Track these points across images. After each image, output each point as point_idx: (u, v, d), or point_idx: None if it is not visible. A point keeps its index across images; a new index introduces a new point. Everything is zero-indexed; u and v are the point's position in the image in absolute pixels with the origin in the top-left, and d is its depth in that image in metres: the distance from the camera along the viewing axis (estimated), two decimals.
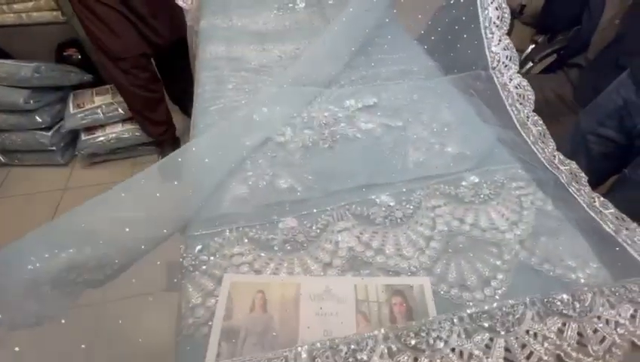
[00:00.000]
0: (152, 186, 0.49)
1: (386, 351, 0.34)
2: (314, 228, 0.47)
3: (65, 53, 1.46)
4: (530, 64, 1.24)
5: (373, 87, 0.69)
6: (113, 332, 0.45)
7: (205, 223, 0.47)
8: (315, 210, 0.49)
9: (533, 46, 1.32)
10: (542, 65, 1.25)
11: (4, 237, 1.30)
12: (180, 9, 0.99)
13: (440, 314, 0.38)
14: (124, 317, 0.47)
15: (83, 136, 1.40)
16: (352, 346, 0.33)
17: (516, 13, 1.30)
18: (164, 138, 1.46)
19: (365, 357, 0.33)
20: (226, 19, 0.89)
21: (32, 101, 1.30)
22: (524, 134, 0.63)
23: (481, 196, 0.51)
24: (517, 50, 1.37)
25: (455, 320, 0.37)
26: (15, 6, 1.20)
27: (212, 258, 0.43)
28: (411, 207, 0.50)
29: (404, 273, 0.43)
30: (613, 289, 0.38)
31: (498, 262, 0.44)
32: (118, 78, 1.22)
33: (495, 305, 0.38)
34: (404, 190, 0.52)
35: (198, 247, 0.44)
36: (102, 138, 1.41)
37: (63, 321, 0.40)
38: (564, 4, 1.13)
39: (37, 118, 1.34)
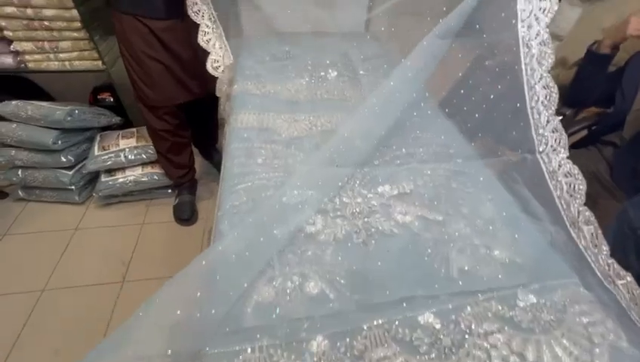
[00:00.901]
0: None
1: None
2: (348, 354, 0.41)
3: (99, 97, 1.52)
4: None
5: (409, 171, 0.66)
6: None
7: (225, 339, 0.41)
8: (349, 328, 0.43)
9: (561, 117, 1.29)
10: (571, 139, 1.21)
11: (8, 275, 1.24)
12: None
13: None
14: None
15: (103, 178, 1.40)
16: None
17: None
18: (183, 181, 1.45)
19: None
20: (259, 85, 0.90)
21: (60, 141, 1.33)
22: (574, 235, 0.57)
23: (542, 323, 0.44)
24: None
25: None
26: (61, 55, 1.28)
27: None
28: (461, 333, 0.43)
29: None
30: None
31: None
32: (150, 123, 1.25)
33: None
34: (451, 307, 0.46)
35: None
36: (121, 180, 1.40)
37: None
38: (594, 81, 1.12)
39: (62, 157, 1.36)
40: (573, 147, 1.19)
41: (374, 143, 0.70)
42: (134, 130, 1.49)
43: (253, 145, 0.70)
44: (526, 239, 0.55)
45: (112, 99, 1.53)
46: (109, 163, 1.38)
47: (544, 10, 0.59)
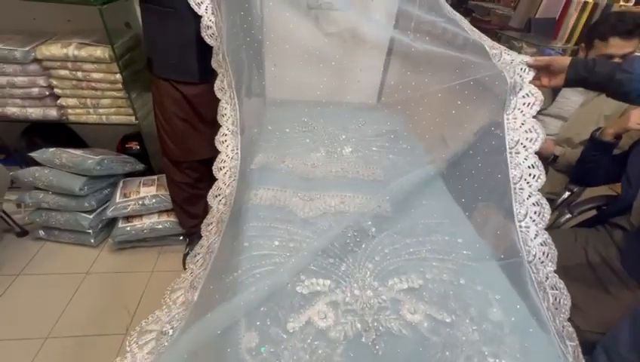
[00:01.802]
0: None
1: None
2: None
3: (127, 145, 1.64)
4: (568, 215, 1.22)
5: (417, 263, 0.68)
6: None
7: None
8: None
9: (569, 193, 1.32)
10: (580, 217, 1.23)
11: (15, 319, 1.25)
12: None
13: None
14: None
15: (120, 224, 1.46)
16: None
17: (549, 161, 1.35)
18: (195, 230, 1.50)
19: None
20: (279, 159, 0.96)
21: (86, 188, 1.41)
22: (561, 348, 0.58)
23: None
24: (552, 193, 1.38)
25: None
26: (100, 110, 1.41)
27: None
28: None
29: None
30: None
31: None
32: (171, 175, 1.33)
33: None
34: None
35: None
36: (138, 226, 1.46)
37: None
38: (599, 164, 1.16)
39: (85, 202, 1.43)
40: (582, 225, 1.21)
41: (385, 232, 0.74)
42: (155, 177, 1.57)
43: (269, 225, 0.75)
44: (535, 348, 0.56)
45: (138, 147, 1.65)
46: (128, 210, 1.44)
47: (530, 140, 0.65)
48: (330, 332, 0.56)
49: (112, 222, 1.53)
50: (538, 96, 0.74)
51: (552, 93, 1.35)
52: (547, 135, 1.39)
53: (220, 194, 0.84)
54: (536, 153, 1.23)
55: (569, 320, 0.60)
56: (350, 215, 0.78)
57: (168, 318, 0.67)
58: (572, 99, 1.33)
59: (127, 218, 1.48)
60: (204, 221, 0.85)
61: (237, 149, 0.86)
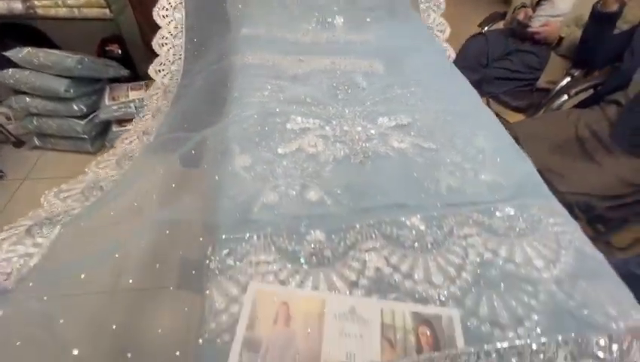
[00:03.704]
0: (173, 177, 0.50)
1: None
2: (342, 244, 0.46)
3: (107, 48, 1.54)
4: (565, 97, 1.21)
5: (408, 107, 0.69)
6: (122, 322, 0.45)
7: (234, 228, 0.47)
8: (343, 226, 0.48)
9: (569, 79, 1.29)
10: (576, 99, 1.22)
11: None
12: None
13: (467, 347, 0.37)
14: (134, 308, 0.47)
15: (114, 128, 1.45)
16: None
17: (553, 45, 1.28)
18: None
19: None
20: (267, 30, 0.91)
21: (71, 90, 1.36)
22: None
23: (517, 230, 0.49)
24: (551, 82, 1.35)
25: (482, 354, 0.35)
26: (69, 1, 1.28)
27: (238, 263, 0.43)
28: (443, 233, 0.48)
29: (433, 301, 0.41)
30: None
31: (533, 302, 0.42)
32: None
33: (526, 342, 0.36)
34: (436, 214, 0.51)
35: (225, 251, 0.44)
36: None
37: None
38: (602, 41, 1.11)
39: (74, 106, 1.40)
40: (578, 106, 1.20)
41: (377, 85, 0.73)
42: (143, 83, 1.51)
43: (259, 79, 0.73)
44: (514, 167, 0.59)
45: (119, 52, 1.55)
46: (119, 113, 1.42)
47: None
48: (320, 156, 0.58)
49: (106, 128, 1.52)
50: None
51: None
52: (557, 15, 1.30)
53: (163, 70, 0.81)
54: (543, 38, 1.16)
55: (549, 184, 0.62)
56: (341, 73, 0.77)
57: None
58: None
59: (120, 122, 1.46)
60: (147, 92, 0.85)
61: (181, 26, 0.80)
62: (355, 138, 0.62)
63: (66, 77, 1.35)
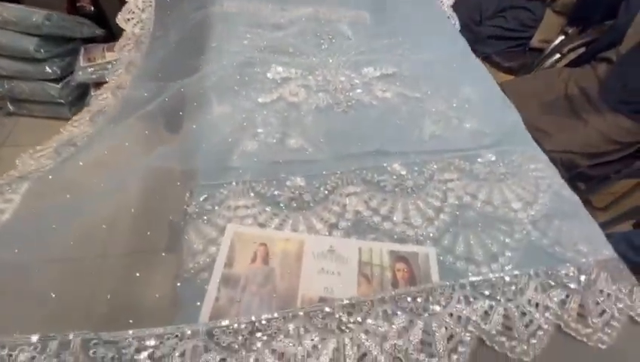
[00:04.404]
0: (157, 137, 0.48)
1: (380, 313, 0.34)
2: (322, 189, 0.46)
3: (78, 4, 1.42)
4: (558, 56, 1.18)
5: (394, 57, 0.66)
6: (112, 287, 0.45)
7: (212, 174, 0.46)
8: (324, 172, 0.48)
9: (563, 37, 1.25)
10: (568, 58, 1.19)
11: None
12: None
13: (442, 281, 0.38)
14: (124, 272, 0.47)
15: (92, 92, 1.38)
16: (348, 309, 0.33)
17: (549, 1, 1.23)
18: None
19: (360, 319, 0.34)
20: None
21: (42, 50, 1.27)
22: None
23: (497, 174, 0.49)
24: (545, 41, 1.31)
25: (456, 287, 0.37)
26: None
27: (217, 208, 0.43)
28: (423, 178, 0.48)
29: (411, 241, 0.42)
30: (614, 264, 0.39)
31: (508, 240, 0.43)
32: None
33: (499, 275, 0.37)
34: (418, 160, 0.50)
35: (204, 196, 0.43)
36: None
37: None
38: None
39: (47, 68, 1.32)
40: (569, 65, 1.18)
41: (362, 34, 0.70)
42: None
43: (238, 28, 0.69)
44: (498, 115, 0.58)
45: (92, 8, 1.44)
46: (96, 75, 1.35)
47: None
48: (302, 105, 0.56)
49: (85, 93, 1.45)
50: None
51: None
52: None
53: (132, 18, 0.75)
54: None
55: (537, 143, 0.61)
56: (326, 21, 0.72)
57: None
58: None
59: (98, 85, 1.39)
60: (118, 44, 0.79)
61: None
62: (339, 87, 0.59)
63: (35, 35, 1.26)
